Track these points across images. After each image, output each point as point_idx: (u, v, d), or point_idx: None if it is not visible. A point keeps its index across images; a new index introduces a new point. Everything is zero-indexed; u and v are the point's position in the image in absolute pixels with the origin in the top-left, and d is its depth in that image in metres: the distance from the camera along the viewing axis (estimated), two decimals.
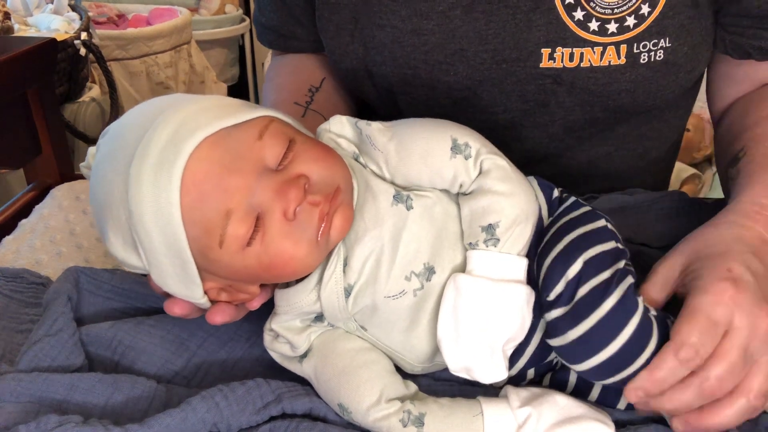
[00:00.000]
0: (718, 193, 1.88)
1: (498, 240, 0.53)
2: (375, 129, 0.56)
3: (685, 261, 0.55)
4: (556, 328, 0.53)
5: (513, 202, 0.54)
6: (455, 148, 0.54)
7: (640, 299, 0.52)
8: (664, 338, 0.53)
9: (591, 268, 0.52)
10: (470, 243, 0.54)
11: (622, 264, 0.53)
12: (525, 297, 0.53)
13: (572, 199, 0.59)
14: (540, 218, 0.57)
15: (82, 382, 0.58)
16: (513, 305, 0.52)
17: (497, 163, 0.55)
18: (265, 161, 0.51)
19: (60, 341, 0.62)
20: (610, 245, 0.53)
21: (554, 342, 0.54)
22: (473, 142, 0.55)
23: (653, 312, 0.54)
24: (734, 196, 0.60)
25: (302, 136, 0.54)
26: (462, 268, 0.54)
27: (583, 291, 0.51)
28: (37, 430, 0.52)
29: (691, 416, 0.50)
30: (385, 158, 0.56)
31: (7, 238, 0.85)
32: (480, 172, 0.55)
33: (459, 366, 0.53)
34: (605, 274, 0.52)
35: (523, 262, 0.54)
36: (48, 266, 0.80)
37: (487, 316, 0.52)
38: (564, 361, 0.54)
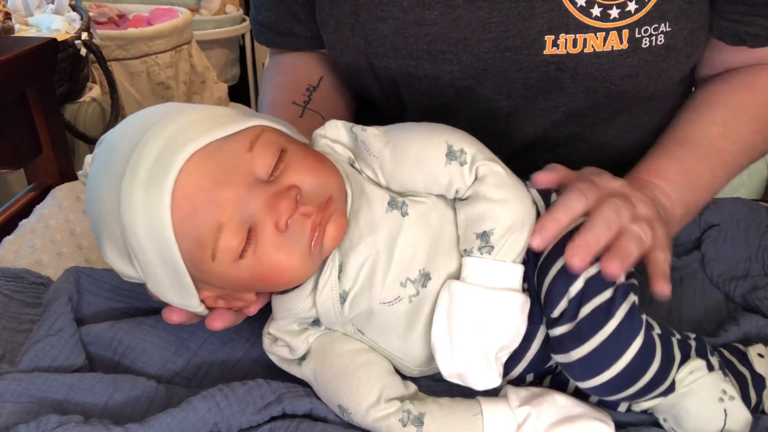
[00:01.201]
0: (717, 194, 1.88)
1: (492, 247, 0.53)
2: (370, 134, 0.56)
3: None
4: (560, 345, 0.53)
5: (508, 209, 0.53)
6: (450, 155, 0.54)
7: (643, 317, 0.52)
8: (667, 356, 0.53)
9: (593, 286, 0.51)
10: (465, 250, 0.54)
11: (623, 277, 0.53)
12: (519, 305, 0.53)
13: None
14: None
15: (82, 382, 0.58)
16: (507, 313, 0.52)
17: (493, 169, 0.54)
18: (256, 173, 0.51)
19: (60, 341, 0.62)
20: None
21: (558, 359, 0.54)
22: (469, 148, 0.55)
23: (657, 330, 0.54)
24: (633, 169, 0.69)
25: (294, 145, 0.54)
26: (457, 275, 0.54)
27: (585, 311, 0.51)
28: (38, 430, 0.52)
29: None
30: (381, 164, 0.56)
31: (8, 238, 0.85)
32: (475, 179, 0.54)
33: (452, 372, 0.53)
34: (607, 293, 0.51)
35: (518, 270, 0.54)
36: (48, 266, 0.80)
37: (481, 324, 0.52)
38: (569, 377, 0.55)
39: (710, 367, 0.55)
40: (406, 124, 0.57)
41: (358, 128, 0.57)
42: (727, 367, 0.58)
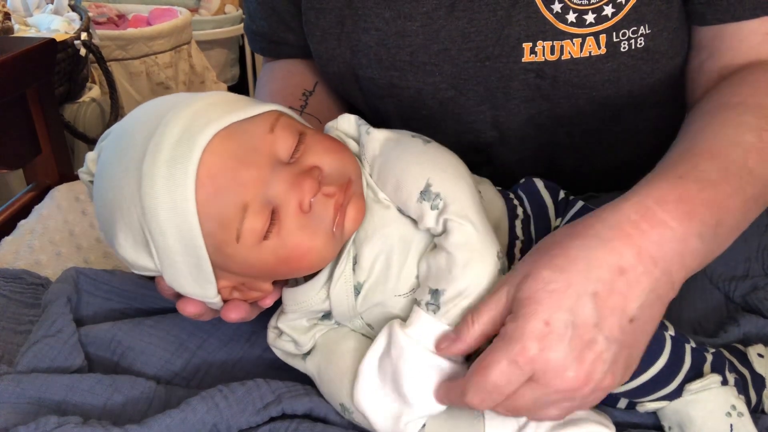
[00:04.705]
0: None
1: (438, 308, 0.50)
2: (371, 139, 0.56)
3: (517, 286, 0.48)
4: None
5: (465, 273, 0.50)
6: (425, 194, 0.52)
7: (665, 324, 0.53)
8: (675, 358, 0.53)
9: None
10: (417, 298, 0.52)
11: None
12: (450, 372, 0.51)
13: (580, 204, 0.59)
14: (548, 218, 0.57)
15: (81, 383, 0.58)
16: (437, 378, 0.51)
17: (461, 227, 0.51)
18: (278, 154, 0.51)
19: (59, 342, 0.62)
20: None
21: None
22: (446, 194, 0.51)
23: (671, 332, 0.54)
24: (628, 192, 0.51)
25: (311, 130, 0.55)
26: None
27: None
28: (37, 431, 0.52)
29: None
30: (369, 172, 0.55)
31: (7, 239, 0.85)
32: (443, 231, 0.51)
33: (360, 407, 0.53)
34: None
35: None
36: (47, 267, 0.80)
37: (412, 382, 0.51)
38: None
39: (725, 382, 0.55)
40: (409, 139, 0.55)
41: (363, 129, 0.57)
42: (728, 367, 0.58)
